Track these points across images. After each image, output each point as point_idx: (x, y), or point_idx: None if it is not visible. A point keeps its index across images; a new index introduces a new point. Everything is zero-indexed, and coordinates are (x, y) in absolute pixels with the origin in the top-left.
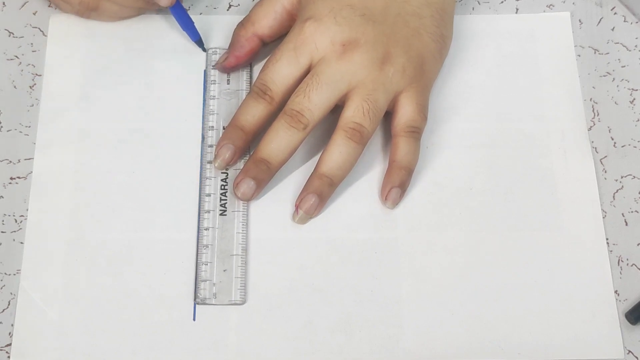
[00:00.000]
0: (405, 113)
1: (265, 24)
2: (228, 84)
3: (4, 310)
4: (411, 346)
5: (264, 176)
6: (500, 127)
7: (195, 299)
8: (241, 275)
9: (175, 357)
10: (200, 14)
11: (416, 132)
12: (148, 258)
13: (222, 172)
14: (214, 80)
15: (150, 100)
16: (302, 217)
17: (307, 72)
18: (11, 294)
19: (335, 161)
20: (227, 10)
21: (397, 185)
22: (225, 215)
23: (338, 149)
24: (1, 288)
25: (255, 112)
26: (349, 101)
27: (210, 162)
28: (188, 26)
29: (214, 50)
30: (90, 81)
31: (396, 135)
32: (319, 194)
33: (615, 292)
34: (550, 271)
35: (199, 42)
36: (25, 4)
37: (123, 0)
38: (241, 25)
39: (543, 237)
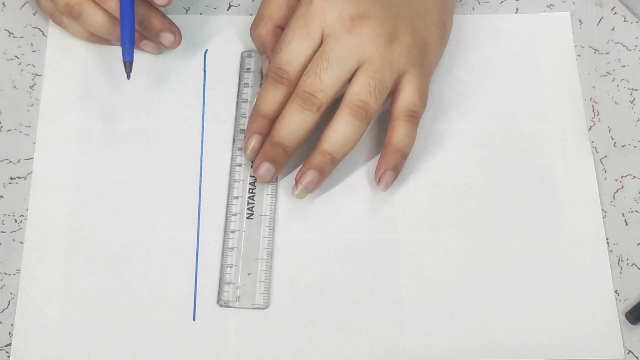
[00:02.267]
0: (406, 96)
1: (282, 15)
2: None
3: (3, 310)
4: (411, 346)
5: (281, 159)
6: (500, 127)
7: (218, 302)
8: (265, 280)
9: (175, 357)
10: (200, 14)
11: (415, 117)
12: (148, 258)
13: (250, 176)
14: (247, 84)
15: (150, 100)
16: (300, 191)
17: (320, 45)
18: (11, 293)
19: (338, 138)
20: (227, 10)
21: (390, 167)
22: (252, 218)
23: (342, 126)
24: (1, 288)
25: (276, 99)
26: (355, 77)
27: (239, 165)
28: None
29: (248, 53)
30: (90, 81)
31: (395, 118)
32: (319, 170)
33: (615, 292)
34: (550, 271)
35: (128, 65)
36: (25, 4)
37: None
38: (257, 25)
39: (543, 237)
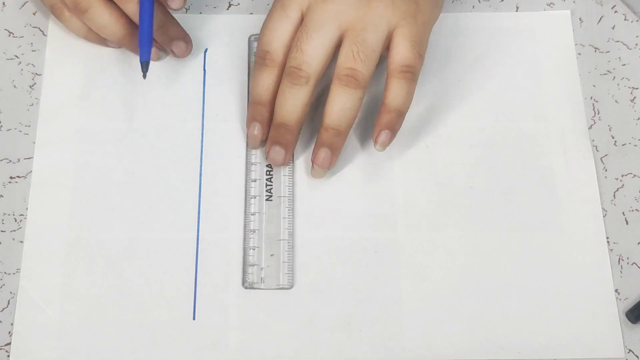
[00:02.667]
0: (398, 52)
1: None
2: None
3: (3, 309)
4: (411, 346)
5: (286, 139)
6: (500, 126)
7: (243, 284)
8: (288, 260)
9: (175, 356)
10: (200, 13)
11: (409, 72)
12: (148, 258)
13: (266, 158)
14: None
15: (150, 100)
16: (317, 170)
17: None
18: (11, 293)
19: (336, 111)
20: (227, 9)
21: (385, 128)
22: (271, 200)
23: (336, 99)
24: (1, 287)
25: (265, 82)
26: (341, 47)
27: (254, 148)
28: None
29: (255, 37)
30: (90, 81)
31: (389, 76)
32: (328, 146)
33: (616, 291)
34: (550, 271)
35: (145, 65)
36: (25, 4)
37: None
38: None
39: (543, 237)
